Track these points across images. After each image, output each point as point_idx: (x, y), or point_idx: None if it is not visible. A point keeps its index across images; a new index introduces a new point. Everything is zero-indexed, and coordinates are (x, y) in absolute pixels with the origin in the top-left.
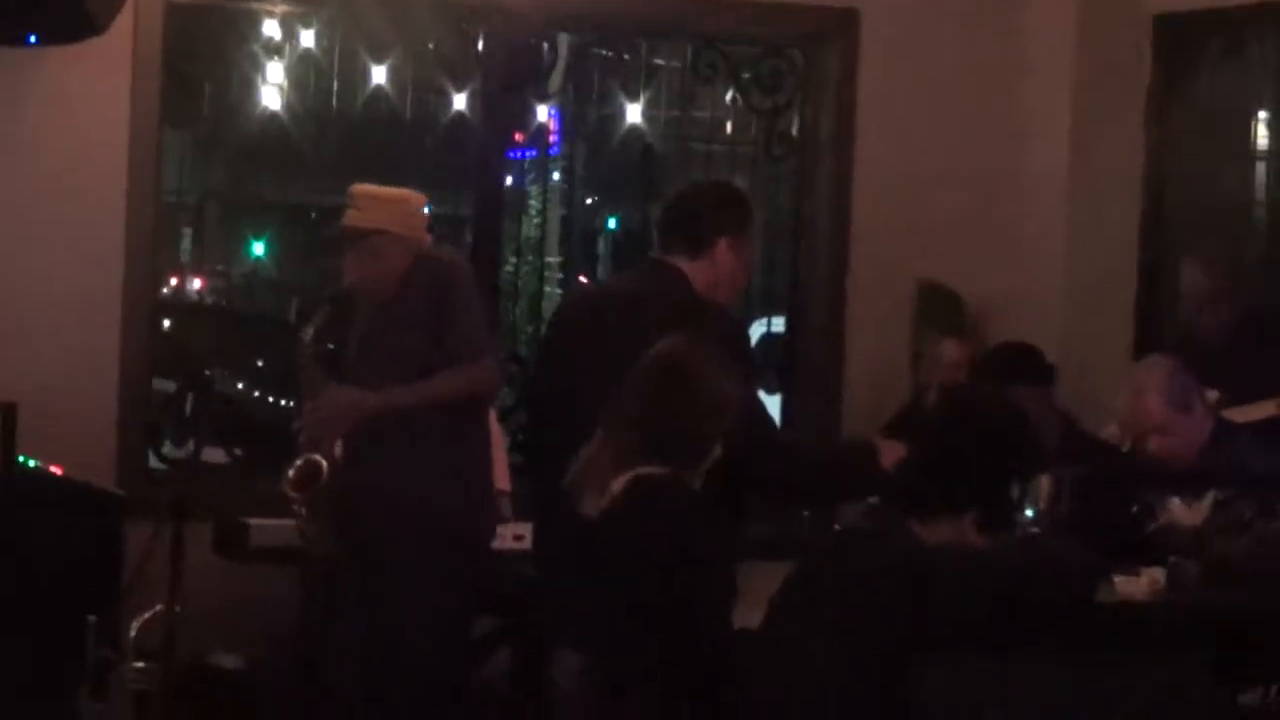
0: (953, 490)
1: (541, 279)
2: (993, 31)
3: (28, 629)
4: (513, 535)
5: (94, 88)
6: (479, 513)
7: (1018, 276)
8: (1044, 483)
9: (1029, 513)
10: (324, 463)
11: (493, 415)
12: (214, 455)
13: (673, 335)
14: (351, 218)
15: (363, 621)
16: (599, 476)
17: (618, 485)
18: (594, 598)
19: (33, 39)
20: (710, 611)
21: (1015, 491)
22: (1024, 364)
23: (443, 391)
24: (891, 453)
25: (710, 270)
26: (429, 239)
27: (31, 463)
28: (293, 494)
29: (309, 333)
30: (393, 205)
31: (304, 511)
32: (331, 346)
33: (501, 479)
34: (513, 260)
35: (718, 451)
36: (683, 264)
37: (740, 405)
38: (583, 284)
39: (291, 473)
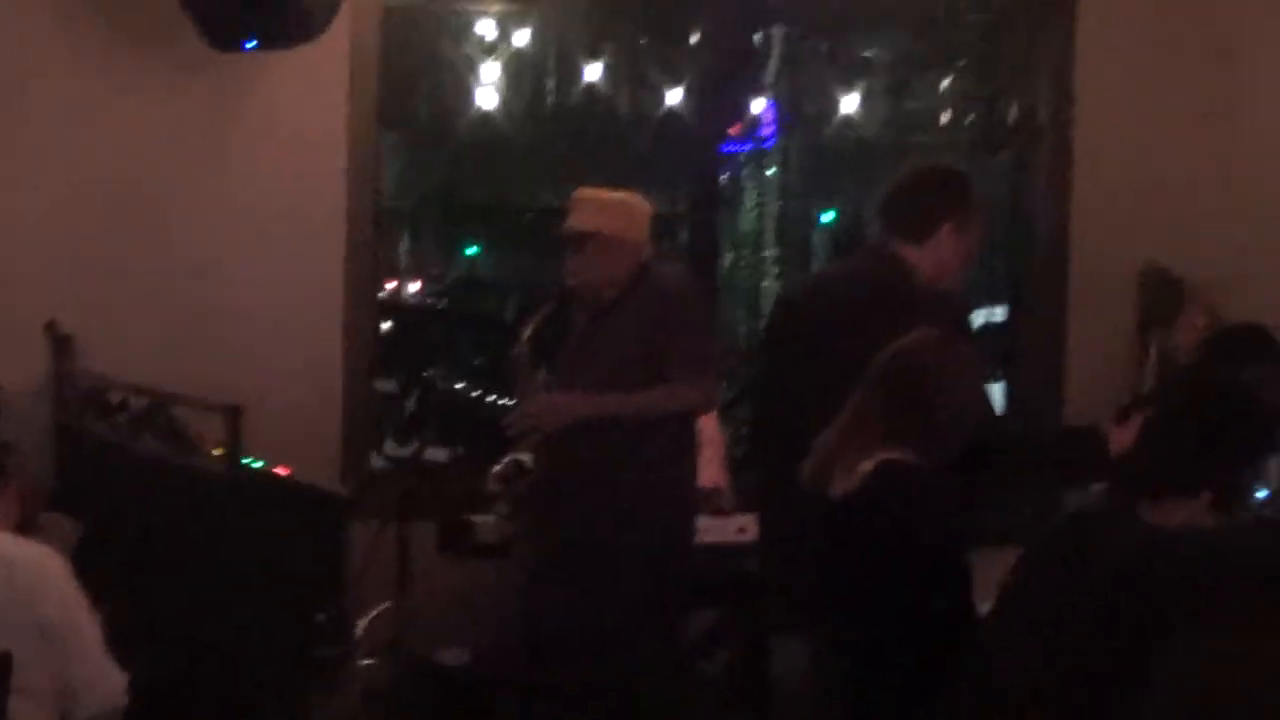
0: (1187, 472)
1: (759, 272)
2: (1211, 6)
3: (258, 627)
4: (735, 528)
5: (311, 92)
6: (680, 516)
7: (1244, 258)
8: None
9: (1262, 493)
10: (528, 462)
11: (715, 416)
12: (436, 454)
13: (918, 330)
14: (574, 220)
15: (567, 618)
16: (846, 459)
17: (865, 467)
18: (829, 584)
19: (251, 43)
20: (952, 596)
21: (1249, 471)
22: (1253, 344)
23: (658, 405)
24: (1120, 437)
25: (934, 256)
26: (651, 246)
27: (257, 464)
28: (495, 489)
29: (525, 331)
30: (615, 209)
31: (506, 509)
32: (546, 347)
33: (716, 475)
34: (730, 254)
35: (961, 443)
36: (905, 251)
37: (986, 401)
38: (805, 275)
39: (498, 469)
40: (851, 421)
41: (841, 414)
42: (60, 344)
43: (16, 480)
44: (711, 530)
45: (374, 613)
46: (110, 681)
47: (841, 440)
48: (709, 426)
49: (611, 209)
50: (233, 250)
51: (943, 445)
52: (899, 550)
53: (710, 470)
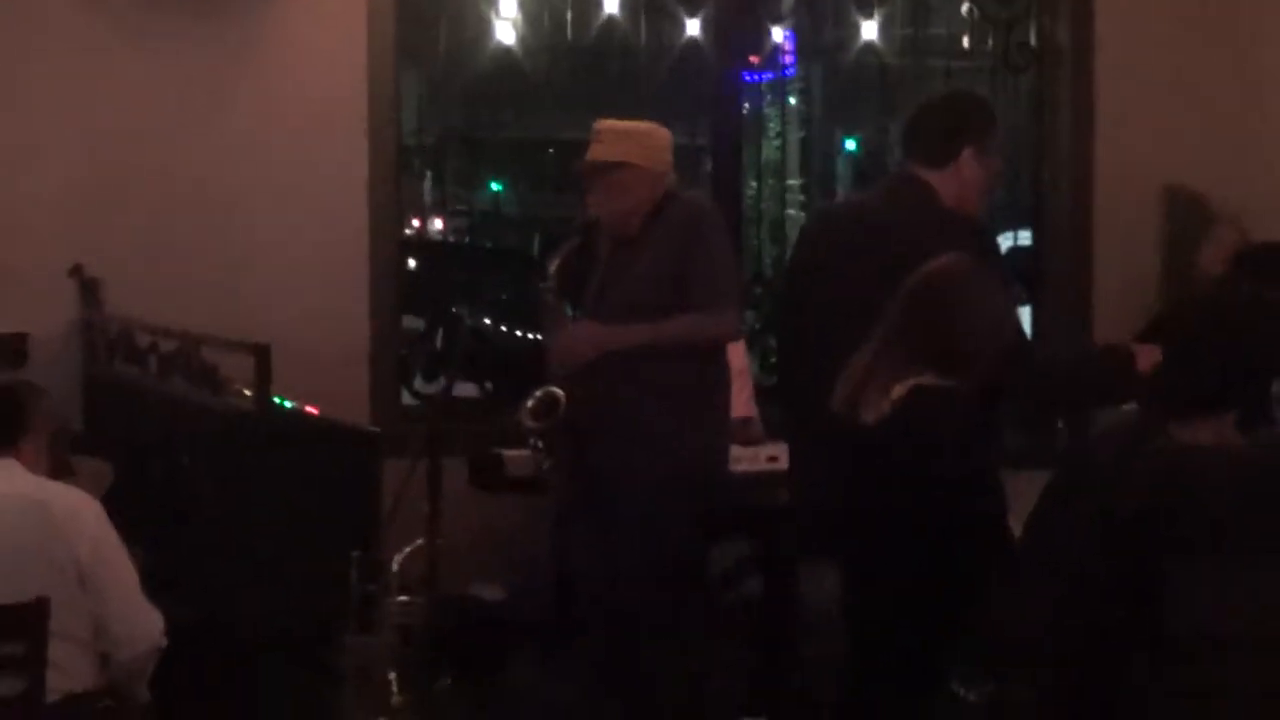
0: (1213, 391)
1: (783, 202)
2: None
3: (294, 567)
4: (765, 457)
5: (330, 30)
6: (712, 448)
7: (1267, 178)
8: None
9: None
10: (561, 395)
11: (743, 344)
12: (465, 390)
13: (944, 255)
14: (595, 151)
15: (595, 551)
16: (878, 385)
17: (898, 392)
18: (860, 512)
19: None
20: (986, 521)
21: (1276, 390)
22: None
23: (682, 334)
24: (1147, 356)
25: (956, 181)
26: (673, 174)
27: (287, 404)
28: (530, 424)
29: (552, 265)
30: (637, 138)
31: (540, 443)
32: (573, 280)
33: (746, 406)
34: (754, 185)
35: (989, 366)
36: (928, 176)
37: (1013, 323)
38: (827, 203)
39: (530, 403)
40: (880, 348)
41: (870, 341)
42: (87, 289)
43: (46, 424)
44: (742, 459)
45: (408, 549)
46: (148, 623)
47: (871, 366)
48: (737, 356)
49: (632, 138)
50: (256, 191)
51: (970, 369)
52: (932, 475)
53: (740, 401)
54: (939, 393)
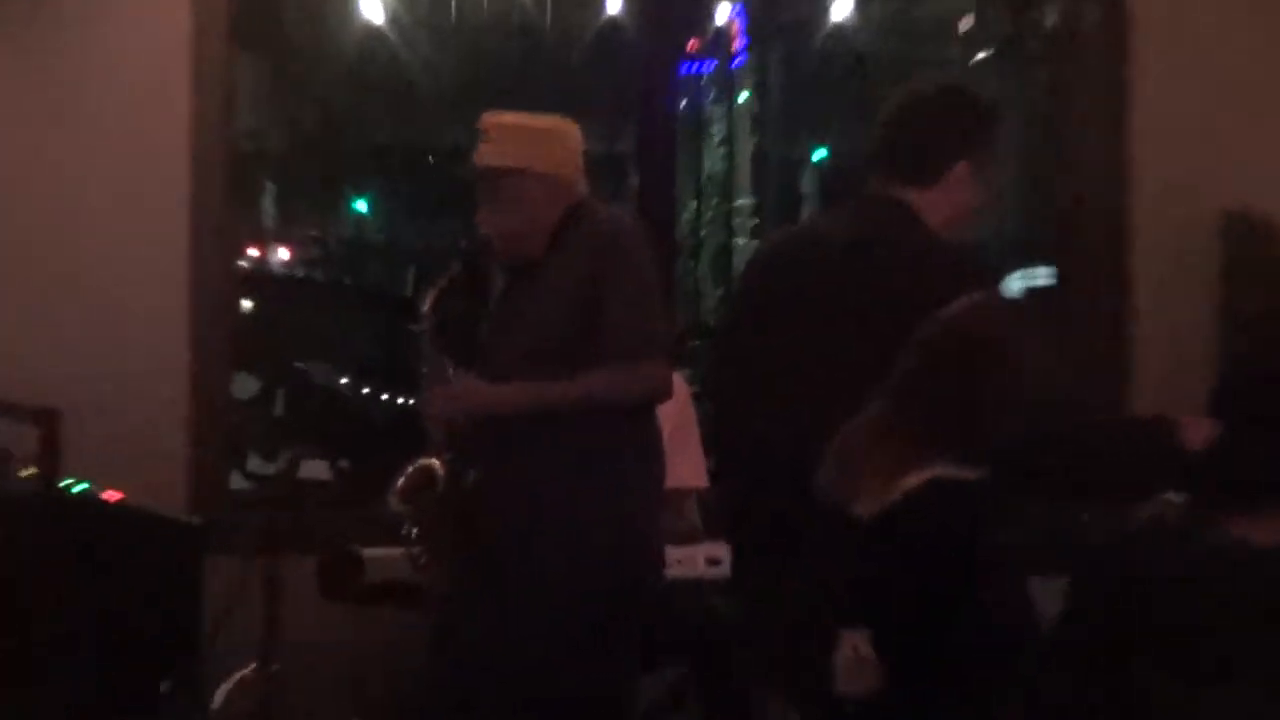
0: None
1: (729, 227)
2: None
3: (83, 701)
4: (705, 558)
5: (146, 9)
6: (638, 532)
7: None
8: None
9: None
10: (439, 468)
11: (688, 393)
12: (314, 470)
13: (970, 295)
14: (484, 154)
15: (485, 668)
16: (881, 469)
17: (911, 484)
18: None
19: None
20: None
21: None
22: None
23: (597, 394)
24: (1199, 431)
25: (945, 202)
26: (585, 185)
27: (80, 487)
28: (400, 508)
29: (427, 302)
30: (537, 138)
31: (414, 532)
32: (455, 321)
33: (696, 473)
34: (692, 205)
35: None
36: (909, 196)
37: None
38: (784, 229)
39: (401, 481)
40: (883, 420)
41: (868, 409)
42: None
43: None
44: (676, 562)
45: (235, 678)
46: None
47: (872, 443)
48: (679, 409)
49: (530, 137)
50: (44, 216)
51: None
52: (939, 580)
53: (689, 466)
54: (961, 488)
